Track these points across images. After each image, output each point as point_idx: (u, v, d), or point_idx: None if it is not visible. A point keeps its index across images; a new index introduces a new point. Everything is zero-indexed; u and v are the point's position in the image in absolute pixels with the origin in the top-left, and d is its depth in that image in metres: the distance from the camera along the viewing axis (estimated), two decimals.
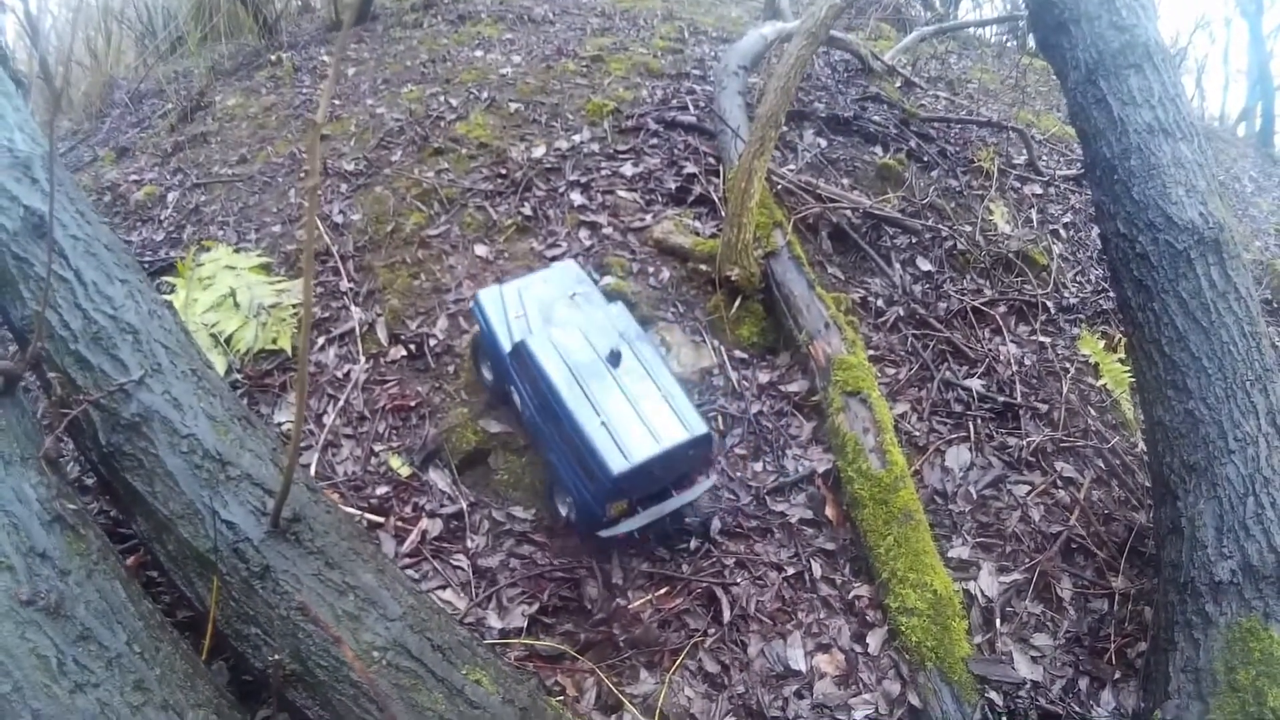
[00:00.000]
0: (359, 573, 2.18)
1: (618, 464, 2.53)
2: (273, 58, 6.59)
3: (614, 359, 2.73)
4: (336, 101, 5.38)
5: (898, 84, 6.07)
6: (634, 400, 2.67)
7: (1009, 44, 8.86)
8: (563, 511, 2.87)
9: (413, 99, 5.15)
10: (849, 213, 4.19)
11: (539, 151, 4.38)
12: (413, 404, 3.27)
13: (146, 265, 3.99)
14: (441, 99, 5.05)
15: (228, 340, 3.54)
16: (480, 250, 3.80)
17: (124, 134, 6.23)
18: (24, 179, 2.71)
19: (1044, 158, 5.70)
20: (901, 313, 3.90)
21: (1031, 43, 8.68)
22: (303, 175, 4.61)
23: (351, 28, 7.07)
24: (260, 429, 2.46)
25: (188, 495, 2.20)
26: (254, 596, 2.10)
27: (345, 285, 3.76)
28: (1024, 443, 3.52)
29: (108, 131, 6.47)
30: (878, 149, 4.90)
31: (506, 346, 2.88)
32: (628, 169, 4.26)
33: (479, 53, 5.89)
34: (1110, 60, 3.25)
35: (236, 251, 4.10)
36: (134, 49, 9.73)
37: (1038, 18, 3.59)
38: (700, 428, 2.66)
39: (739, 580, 2.85)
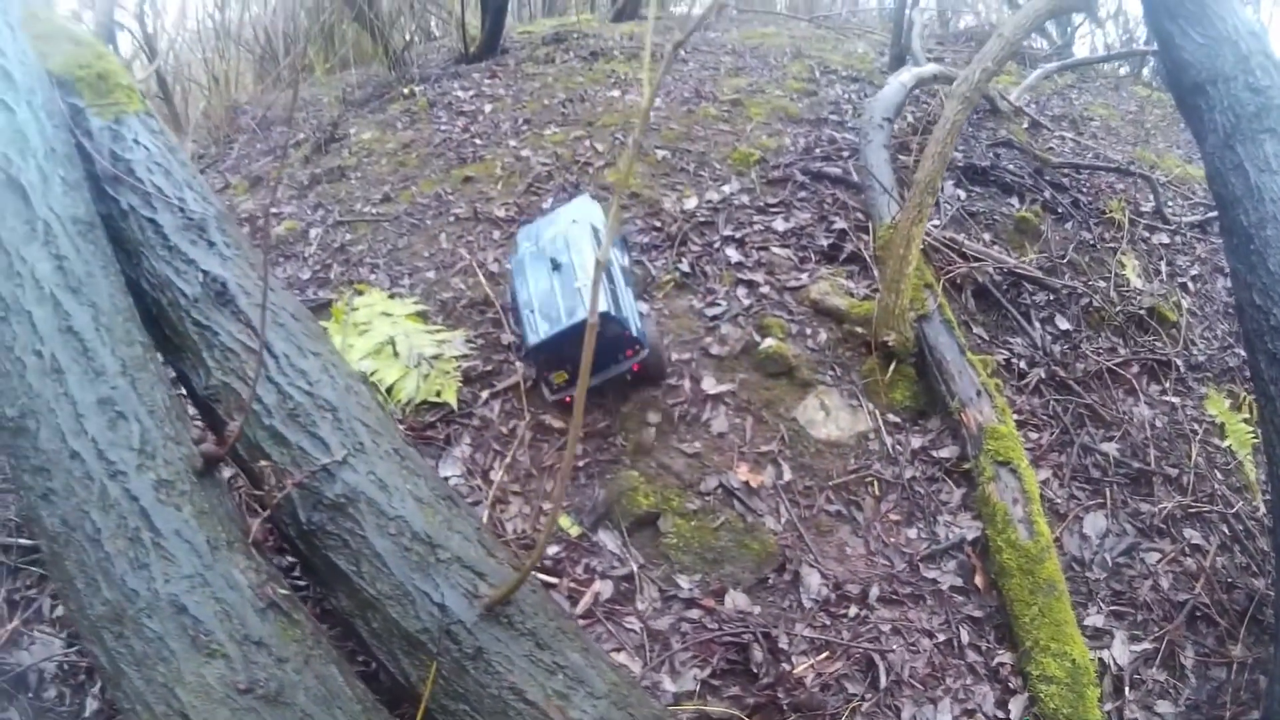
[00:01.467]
0: (567, 652, 2.22)
1: (533, 340, 3.27)
2: (405, 90, 6.69)
3: (555, 265, 3.42)
4: (478, 141, 5.52)
5: (1025, 125, 6.12)
6: (558, 293, 3.33)
7: (1123, 73, 8.82)
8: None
9: (557, 142, 5.29)
10: (991, 270, 4.32)
11: (691, 203, 4.53)
12: (580, 463, 3.44)
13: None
14: (587, 143, 5.18)
15: (388, 390, 3.60)
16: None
17: (255, 162, 6.37)
18: (200, 241, 2.69)
19: (1169, 203, 5.71)
20: (1043, 374, 4.01)
21: (1147, 73, 8.72)
22: (453, 219, 4.77)
23: (482, 61, 7.25)
24: (463, 508, 2.49)
25: (397, 577, 2.21)
26: (465, 676, 2.13)
27: (507, 338, 3.89)
28: (1155, 509, 3.63)
29: (237, 158, 6.61)
30: (1014, 200, 4.99)
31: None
32: (779, 224, 4.41)
33: (616, 92, 6.02)
34: (1246, 125, 3.25)
35: (391, 297, 4.15)
36: (251, 71, 9.95)
37: (1174, 79, 3.61)
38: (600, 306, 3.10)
39: (894, 646, 3.01)
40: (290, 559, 2.89)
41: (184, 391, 2.70)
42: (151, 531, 2.04)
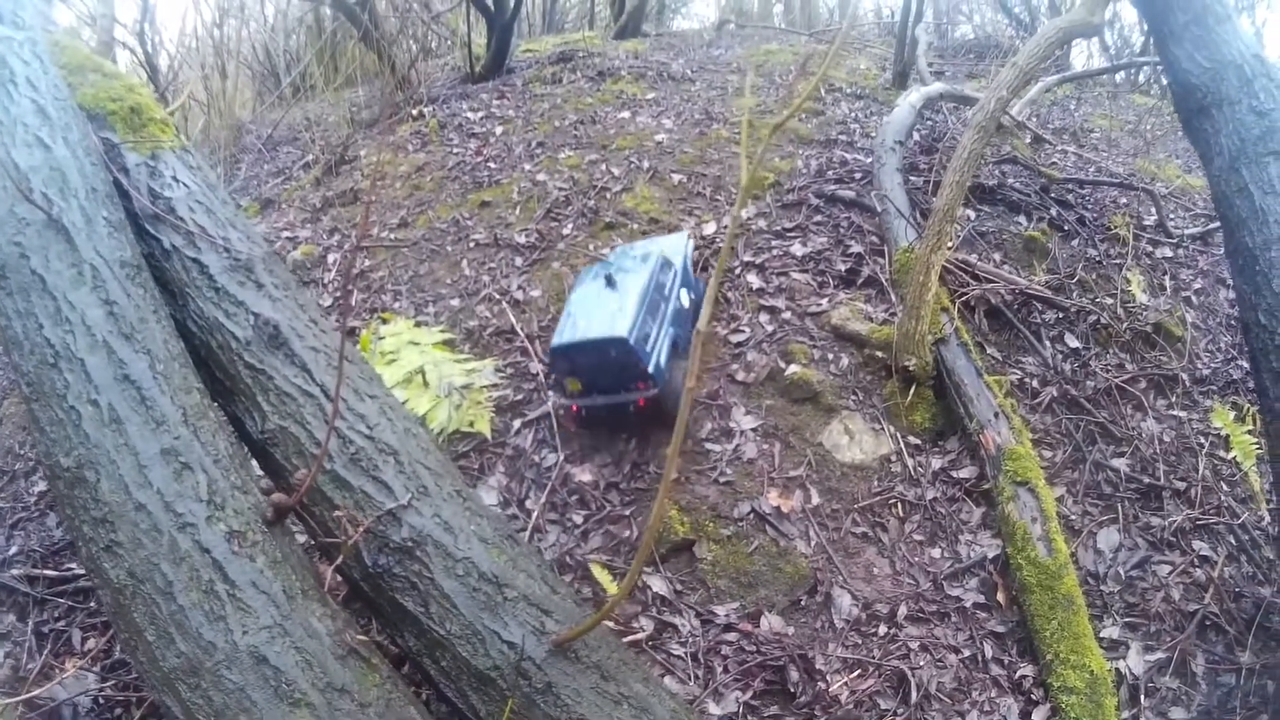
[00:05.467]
0: (630, 682, 2.27)
1: (555, 341, 3.44)
2: (414, 112, 6.72)
3: (609, 282, 3.59)
4: (492, 165, 5.58)
5: (1027, 139, 6.25)
6: (593, 310, 3.49)
7: (1120, 80, 8.94)
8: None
9: (573, 165, 5.37)
10: (1002, 290, 4.43)
11: (709, 229, 4.65)
12: (616, 490, 3.54)
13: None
14: (603, 168, 5.27)
15: (421, 420, 3.58)
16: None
17: (265, 183, 6.40)
18: (248, 282, 2.69)
19: (1171, 216, 5.82)
20: (1055, 393, 4.13)
21: (1143, 78, 8.86)
22: (473, 245, 4.81)
23: (488, 80, 7.31)
24: (525, 546, 2.54)
25: (466, 617, 2.25)
26: (534, 710, 2.18)
27: (535, 367, 3.98)
28: (1165, 522, 3.74)
29: (245, 179, 6.65)
30: (1022, 219, 5.11)
31: None
32: (797, 248, 4.52)
33: (626, 114, 6.11)
34: (1251, 147, 3.32)
35: (417, 325, 4.22)
36: (250, 87, 9.95)
37: (1180, 102, 3.68)
38: (618, 332, 3.35)
39: (922, 663, 3.12)
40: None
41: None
42: (226, 583, 2.07)
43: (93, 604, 3.27)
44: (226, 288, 2.67)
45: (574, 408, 3.55)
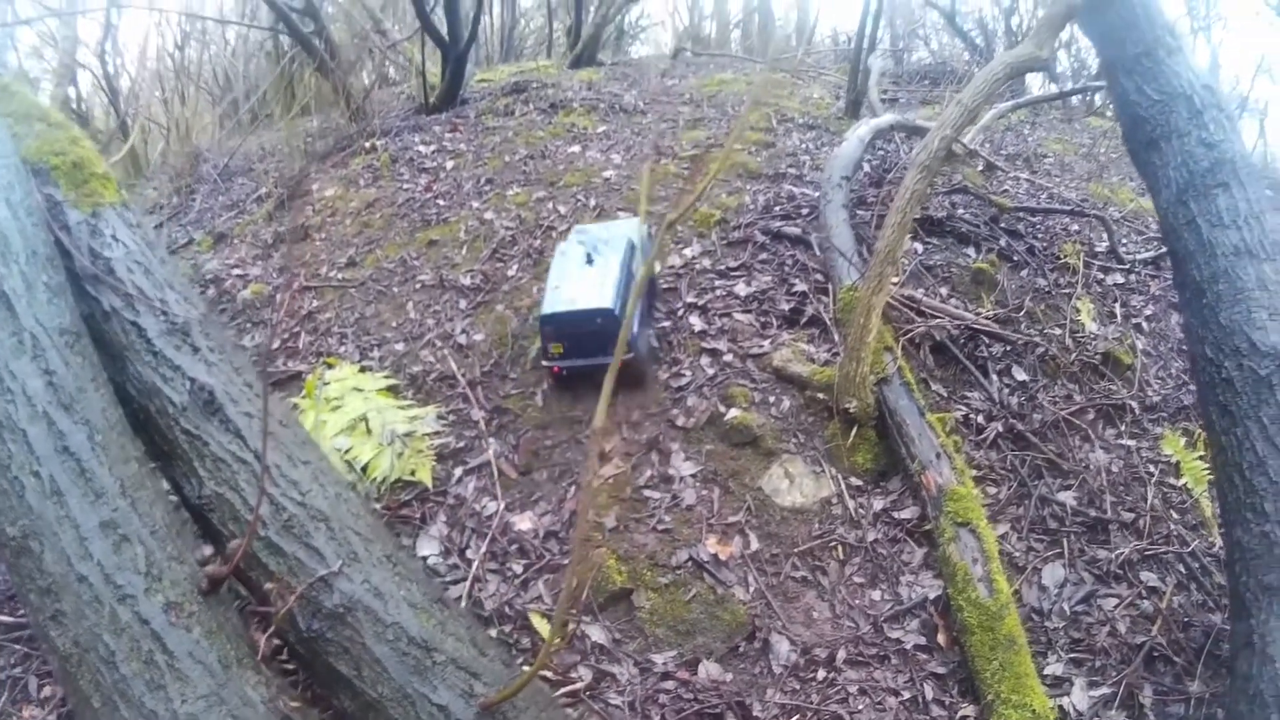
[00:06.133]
0: None
1: (545, 310, 3.84)
2: (367, 144, 6.75)
3: (589, 260, 3.99)
4: (441, 202, 5.59)
5: (980, 167, 6.30)
6: (577, 283, 3.89)
7: (1075, 105, 9.02)
8: None
9: (520, 203, 5.39)
10: (948, 325, 4.45)
11: (657, 266, 4.66)
12: (553, 537, 3.54)
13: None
14: (550, 205, 5.29)
15: (364, 468, 3.68)
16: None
17: (218, 216, 6.38)
18: (184, 345, 2.75)
19: (1123, 241, 5.87)
20: (1000, 428, 4.13)
21: (1099, 100, 8.93)
22: (419, 286, 4.82)
23: (442, 112, 7.33)
24: (454, 609, 2.62)
25: (397, 681, 2.35)
26: None
27: (477, 414, 4.00)
28: (1112, 555, 3.73)
29: (199, 211, 6.61)
30: (970, 250, 5.13)
31: None
32: (741, 288, 4.52)
33: (576, 148, 6.13)
34: (1200, 180, 3.34)
35: (362, 371, 4.25)
36: (210, 113, 9.95)
37: (1130, 134, 3.69)
38: (605, 303, 3.78)
39: (860, 707, 3.11)
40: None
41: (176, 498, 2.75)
42: (165, 654, 2.18)
43: None
44: (164, 352, 2.74)
45: (555, 369, 3.96)
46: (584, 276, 3.90)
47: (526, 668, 2.93)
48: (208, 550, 2.70)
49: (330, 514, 2.58)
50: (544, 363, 3.99)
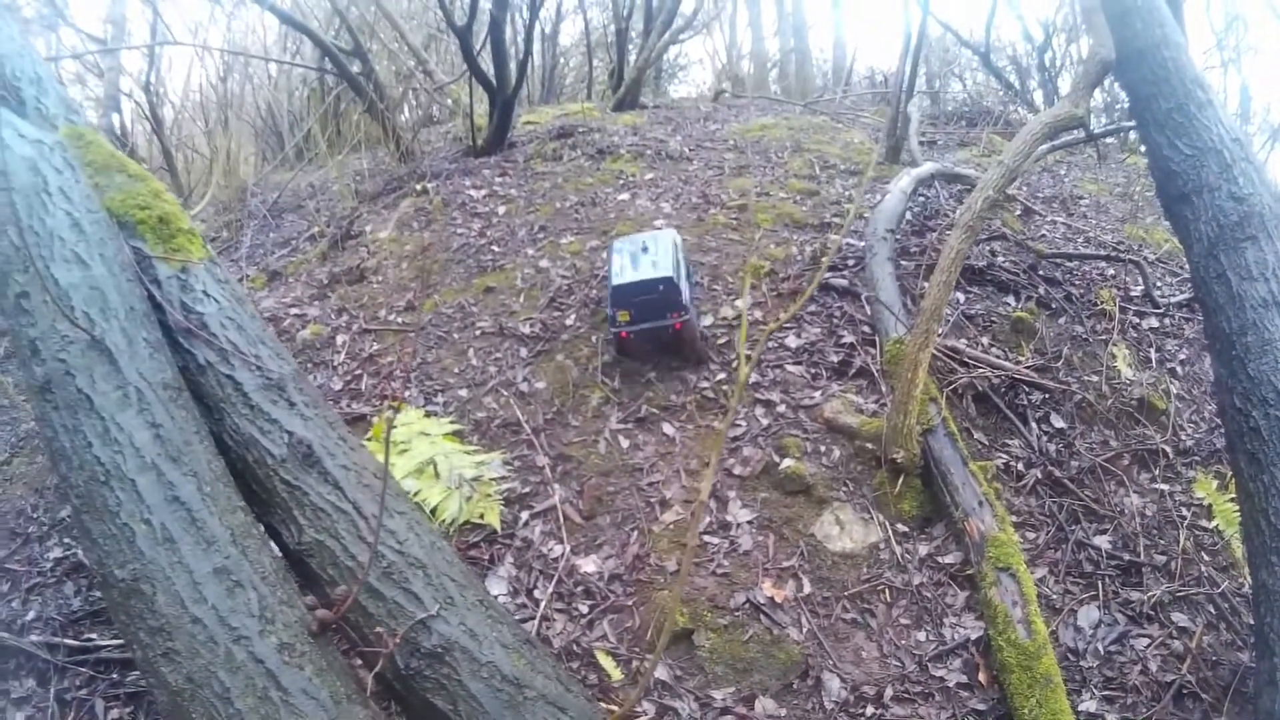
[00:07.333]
0: None
1: (615, 282, 4.48)
2: (417, 187, 6.89)
3: (644, 248, 4.58)
4: (495, 249, 5.80)
5: (1017, 211, 6.50)
6: (640, 263, 4.51)
7: (1109, 144, 9.11)
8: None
9: (574, 252, 5.60)
10: (989, 375, 4.67)
11: (707, 321, 4.91)
12: (618, 580, 3.77)
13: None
14: (604, 255, 5.47)
15: (432, 511, 3.84)
16: (667, 429, 4.34)
17: (270, 253, 6.55)
18: (280, 400, 2.88)
19: (1158, 284, 6.03)
20: (1039, 475, 4.34)
21: (1134, 136, 9.03)
22: (479, 333, 5.02)
23: (490, 155, 7.50)
24: (541, 649, 2.79)
25: (492, 715, 2.50)
26: None
27: (541, 460, 4.21)
28: (1145, 596, 3.91)
29: (250, 246, 6.76)
30: (1010, 299, 5.35)
31: None
32: (791, 340, 4.77)
33: (625, 195, 6.35)
34: (1229, 233, 3.46)
35: (427, 416, 4.42)
36: (253, 145, 10.13)
37: (1162, 188, 3.84)
38: (664, 273, 4.41)
39: None
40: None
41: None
42: (279, 690, 2.31)
43: (115, 675, 3.45)
44: (261, 405, 2.84)
45: (623, 334, 4.54)
46: (642, 260, 4.52)
47: (602, 704, 3.21)
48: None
49: (427, 561, 2.71)
50: (611, 330, 4.56)
